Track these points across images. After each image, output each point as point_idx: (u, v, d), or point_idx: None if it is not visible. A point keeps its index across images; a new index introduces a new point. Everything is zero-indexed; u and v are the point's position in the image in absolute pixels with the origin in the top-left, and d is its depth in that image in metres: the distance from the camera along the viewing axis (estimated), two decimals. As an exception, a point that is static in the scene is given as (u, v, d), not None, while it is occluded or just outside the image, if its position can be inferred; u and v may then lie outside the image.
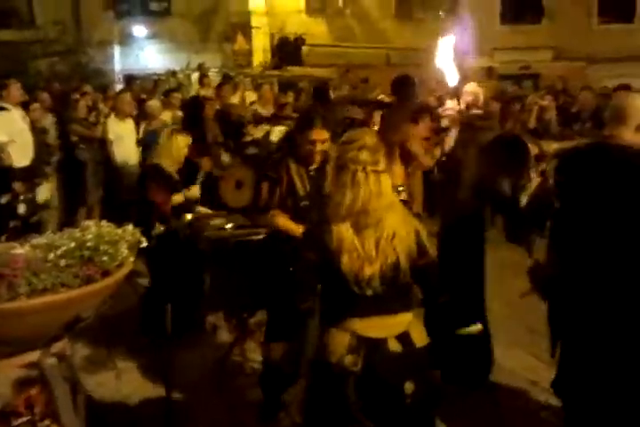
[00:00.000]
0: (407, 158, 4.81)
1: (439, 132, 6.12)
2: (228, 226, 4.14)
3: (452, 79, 3.98)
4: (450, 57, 3.99)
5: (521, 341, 4.05)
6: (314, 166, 3.18)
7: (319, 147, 3.11)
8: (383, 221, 2.18)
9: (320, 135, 3.10)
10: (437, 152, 5.13)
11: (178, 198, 4.41)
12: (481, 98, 6.42)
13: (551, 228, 2.95)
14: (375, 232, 2.17)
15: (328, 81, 11.27)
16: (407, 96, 4.89)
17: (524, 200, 3.37)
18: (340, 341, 2.19)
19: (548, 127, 8.25)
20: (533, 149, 3.49)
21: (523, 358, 3.88)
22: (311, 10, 14.41)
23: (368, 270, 2.15)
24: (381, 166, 2.21)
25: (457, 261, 3.54)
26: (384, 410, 2.20)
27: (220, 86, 8.38)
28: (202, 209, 4.68)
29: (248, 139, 7.17)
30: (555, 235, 2.85)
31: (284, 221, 3.11)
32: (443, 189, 4.79)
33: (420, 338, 2.27)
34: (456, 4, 17.30)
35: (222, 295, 4.06)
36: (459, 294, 2.98)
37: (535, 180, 3.64)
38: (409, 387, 2.18)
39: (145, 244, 2.28)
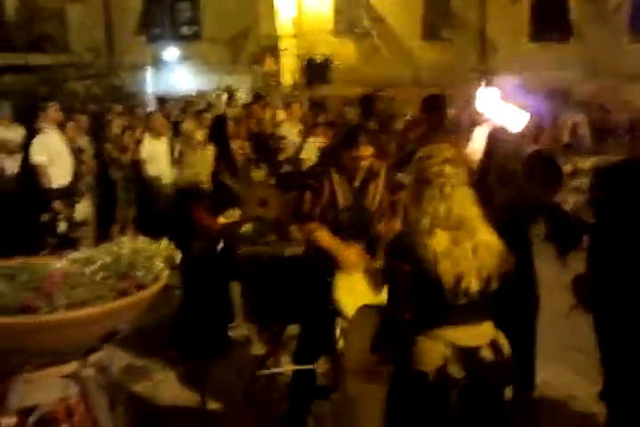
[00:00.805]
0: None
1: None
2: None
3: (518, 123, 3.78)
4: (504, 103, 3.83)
5: (559, 357, 4.00)
6: (357, 181, 3.20)
7: (364, 163, 3.13)
8: (477, 230, 2.22)
9: (365, 152, 3.12)
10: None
11: (223, 220, 4.47)
12: None
13: (591, 243, 2.92)
14: (471, 242, 2.20)
15: (375, 92, 11.36)
16: (440, 113, 4.90)
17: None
18: (434, 350, 2.17)
19: (581, 142, 8.20)
20: (567, 166, 3.45)
21: (562, 374, 3.84)
22: (338, 31, 14.58)
23: (467, 279, 2.16)
24: (464, 178, 2.26)
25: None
26: (485, 417, 2.20)
27: (249, 105, 8.50)
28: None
29: (282, 157, 7.24)
30: (595, 250, 2.83)
31: (325, 237, 3.11)
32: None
33: (506, 346, 2.28)
34: (484, 23, 17.36)
35: (256, 309, 4.06)
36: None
37: (571, 196, 3.62)
38: (509, 394, 2.20)
39: (179, 258, 2.30)
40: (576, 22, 17.33)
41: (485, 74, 17.57)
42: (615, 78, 16.33)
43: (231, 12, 12.89)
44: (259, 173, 7.14)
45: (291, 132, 7.97)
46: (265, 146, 7.61)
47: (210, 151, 4.78)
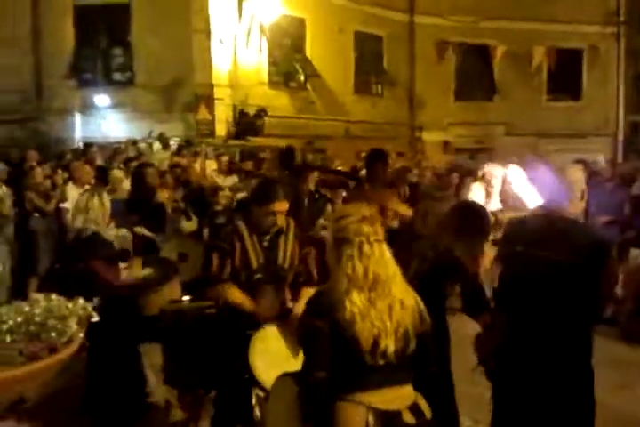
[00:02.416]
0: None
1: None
2: (185, 298, 3.99)
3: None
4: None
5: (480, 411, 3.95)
6: (268, 236, 3.12)
7: (280, 218, 3.07)
8: (392, 289, 2.20)
9: (282, 206, 3.08)
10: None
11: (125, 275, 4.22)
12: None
13: (498, 294, 2.97)
14: (387, 301, 2.18)
15: (306, 145, 11.50)
16: (381, 169, 5.03)
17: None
18: (354, 416, 2.10)
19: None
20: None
21: None
22: (273, 83, 14.85)
23: (384, 340, 2.13)
24: (381, 236, 2.26)
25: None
26: None
27: (179, 153, 8.42)
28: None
29: (218, 208, 7.12)
30: (501, 299, 2.89)
31: (236, 296, 3.01)
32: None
33: (427, 409, 2.23)
34: (413, 81, 18.13)
35: (176, 371, 3.85)
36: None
37: (489, 249, 3.72)
38: None
39: (96, 318, 2.18)
40: (499, 82, 18.36)
41: (414, 129, 18.30)
42: (534, 135, 17.29)
43: (165, 60, 12.90)
44: (190, 225, 6.98)
45: (224, 182, 7.92)
46: (197, 196, 7.50)
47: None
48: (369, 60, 17.46)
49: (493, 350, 2.88)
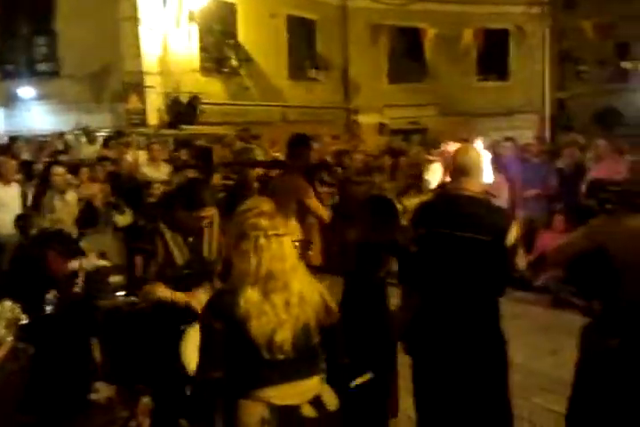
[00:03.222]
0: (305, 213, 4.90)
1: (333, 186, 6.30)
2: (120, 294, 3.97)
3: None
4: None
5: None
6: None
7: (206, 222, 3.07)
8: (290, 283, 2.20)
9: (209, 212, 3.07)
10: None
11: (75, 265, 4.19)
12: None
13: (410, 272, 3.08)
14: (284, 296, 2.18)
15: (221, 138, 11.32)
16: (303, 155, 4.99)
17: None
18: (252, 412, 2.12)
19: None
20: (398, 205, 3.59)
21: None
22: (206, 69, 14.59)
23: (280, 334, 2.14)
24: (282, 230, 2.25)
25: (360, 315, 3.57)
26: None
27: (106, 145, 8.19)
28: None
29: (152, 200, 6.98)
30: (414, 277, 3.00)
31: (164, 292, 3.00)
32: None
33: (332, 401, 2.26)
34: (347, 65, 18.18)
35: (114, 367, 3.84)
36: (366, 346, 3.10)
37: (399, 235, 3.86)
38: None
39: (25, 320, 2.16)
40: (431, 64, 18.62)
41: (350, 112, 18.40)
42: (465, 115, 17.68)
43: (92, 49, 12.48)
44: (123, 218, 6.85)
45: (157, 173, 7.77)
46: (130, 189, 7.34)
47: (71, 197, 4.51)
48: (302, 45, 17.37)
49: (409, 326, 2.98)
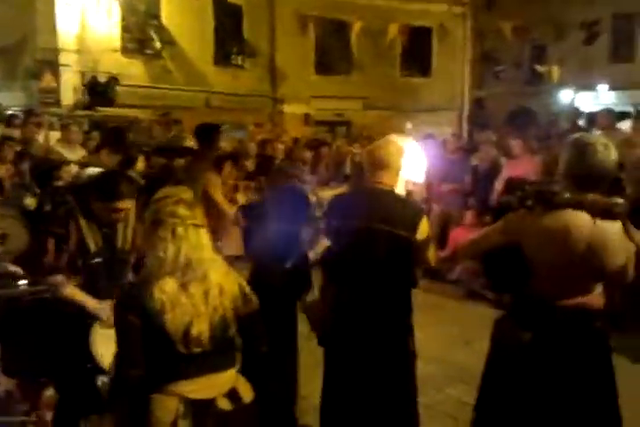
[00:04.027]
0: (210, 205, 4.79)
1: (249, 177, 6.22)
2: (21, 282, 3.73)
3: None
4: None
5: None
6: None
7: (122, 214, 2.95)
8: (209, 274, 2.14)
9: (126, 204, 2.94)
10: (243, 198, 5.16)
11: None
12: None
13: (325, 265, 3.11)
14: (203, 286, 2.12)
15: (131, 123, 10.94)
16: (211, 143, 4.88)
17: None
18: (166, 406, 2.06)
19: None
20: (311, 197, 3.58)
21: None
22: (127, 50, 14.07)
23: (197, 326, 2.08)
24: (199, 220, 2.19)
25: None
26: None
27: (10, 124, 7.71)
28: None
29: (60, 183, 6.64)
30: (329, 270, 3.05)
31: (76, 295, 2.84)
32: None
33: (247, 392, 2.23)
34: (274, 53, 18.02)
35: (14, 360, 3.62)
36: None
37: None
38: None
39: None
40: (357, 57, 18.78)
41: (276, 101, 18.29)
42: (389, 109, 17.97)
43: (4, 22, 11.74)
44: (35, 201, 6.50)
45: (73, 155, 7.41)
46: (42, 171, 6.97)
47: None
48: (229, 30, 17.07)
49: (324, 319, 3.01)
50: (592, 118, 16.82)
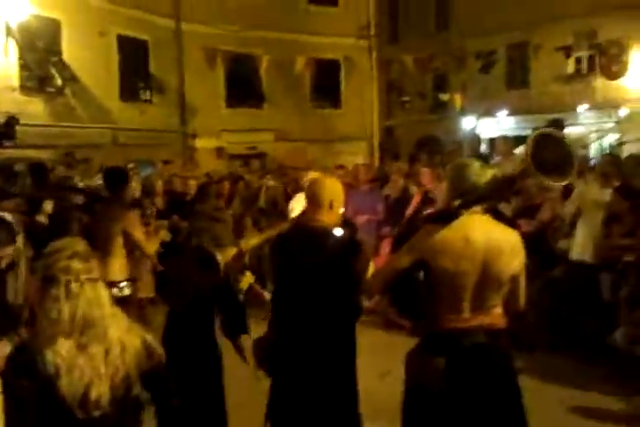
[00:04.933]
0: (131, 246, 4.69)
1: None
2: None
3: None
4: None
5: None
6: None
7: (4, 262, 2.75)
8: (109, 331, 2.01)
9: (4, 252, 2.75)
10: (156, 240, 5.03)
11: None
12: None
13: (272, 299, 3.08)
14: (102, 345, 1.98)
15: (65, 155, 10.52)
16: (122, 190, 4.78)
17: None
18: None
19: (276, 206, 8.72)
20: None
21: None
22: (26, 88, 13.55)
23: (96, 389, 1.93)
24: (95, 274, 2.05)
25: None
26: None
27: None
28: None
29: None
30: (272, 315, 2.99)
31: None
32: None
33: None
34: (183, 88, 17.88)
35: None
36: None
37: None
38: None
39: None
40: (267, 90, 18.95)
41: (186, 136, 18.09)
42: (301, 141, 18.18)
43: None
44: None
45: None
46: None
47: None
48: (135, 66, 16.81)
49: (268, 352, 3.02)
50: (493, 144, 17.81)
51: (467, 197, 2.57)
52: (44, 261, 2.04)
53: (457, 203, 2.58)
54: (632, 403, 4.43)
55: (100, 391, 1.94)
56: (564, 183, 2.54)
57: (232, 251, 3.01)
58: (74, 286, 1.98)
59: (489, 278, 2.55)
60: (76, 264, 2.01)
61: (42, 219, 5.51)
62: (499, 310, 2.64)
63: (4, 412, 1.97)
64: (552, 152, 2.33)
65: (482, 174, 2.60)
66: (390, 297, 2.95)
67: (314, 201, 3.00)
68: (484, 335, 2.56)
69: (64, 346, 1.93)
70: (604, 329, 5.01)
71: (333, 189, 3.07)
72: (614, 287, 5.13)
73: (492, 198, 2.65)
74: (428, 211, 3.15)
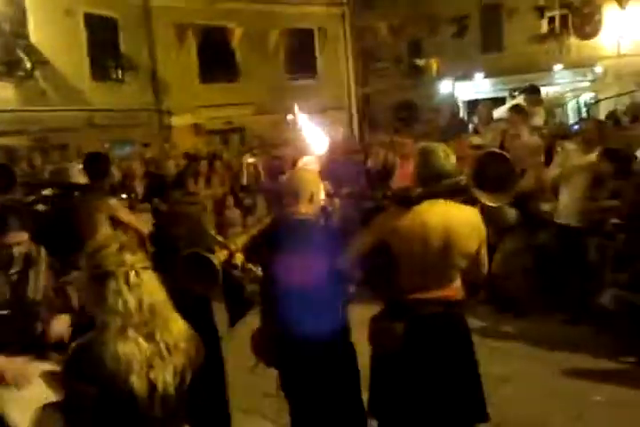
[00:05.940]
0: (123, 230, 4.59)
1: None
2: None
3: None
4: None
5: (257, 406, 4.09)
6: (15, 269, 2.76)
7: (18, 250, 2.71)
8: (169, 319, 1.99)
9: (18, 238, 2.70)
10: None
11: None
12: None
13: (264, 296, 3.10)
14: (165, 334, 1.96)
15: (6, 152, 10.23)
16: (103, 174, 4.68)
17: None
18: None
19: (259, 182, 8.68)
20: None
21: (259, 424, 3.99)
22: (-5, 74, 13.24)
23: (163, 383, 1.91)
24: (147, 262, 2.03)
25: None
26: None
27: None
28: None
29: None
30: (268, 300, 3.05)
31: None
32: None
33: None
34: (155, 65, 17.54)
35: None
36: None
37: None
38: None
39: None
40: (242, 63, 18.64)
41: (162, 114, 17.81)
42: (280, 113, 17.96)
43: None
44: None
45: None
46: None
47: None
48: (105, 44, 16.45)
49: (268, 345, 3.05)
50: (471, 106, 17.77)
51: (430, 186, 2.72)
52: (92, 260, 1.99)
53: (419, 191, 2.74)
54: (622, 362, 4.55)
55: (165, 386, 1.92)
56: (501, 204, 2.58)
57: (222, 253, 2.98)
58: (132, 276, 1.95)
59: (448, 258, 2.74)
60: (128, 256, 1.98)
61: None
62: (457, 284, 2.85)
63: (64, 416, 1.98)
64: (495, 170, 2.41)
65: (446, 162, 2.76)
66: (362, 275, 3.06)
67: (295, 194, 3.06)
68: (442, 306, 2.78)
69: (134, 338, 1.90)
70: (591, 291, 5.10)
71: (312, 180, 3.14)
72: (600, 250, 5.21)
73: (452, 198, 2.78)
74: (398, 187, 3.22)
